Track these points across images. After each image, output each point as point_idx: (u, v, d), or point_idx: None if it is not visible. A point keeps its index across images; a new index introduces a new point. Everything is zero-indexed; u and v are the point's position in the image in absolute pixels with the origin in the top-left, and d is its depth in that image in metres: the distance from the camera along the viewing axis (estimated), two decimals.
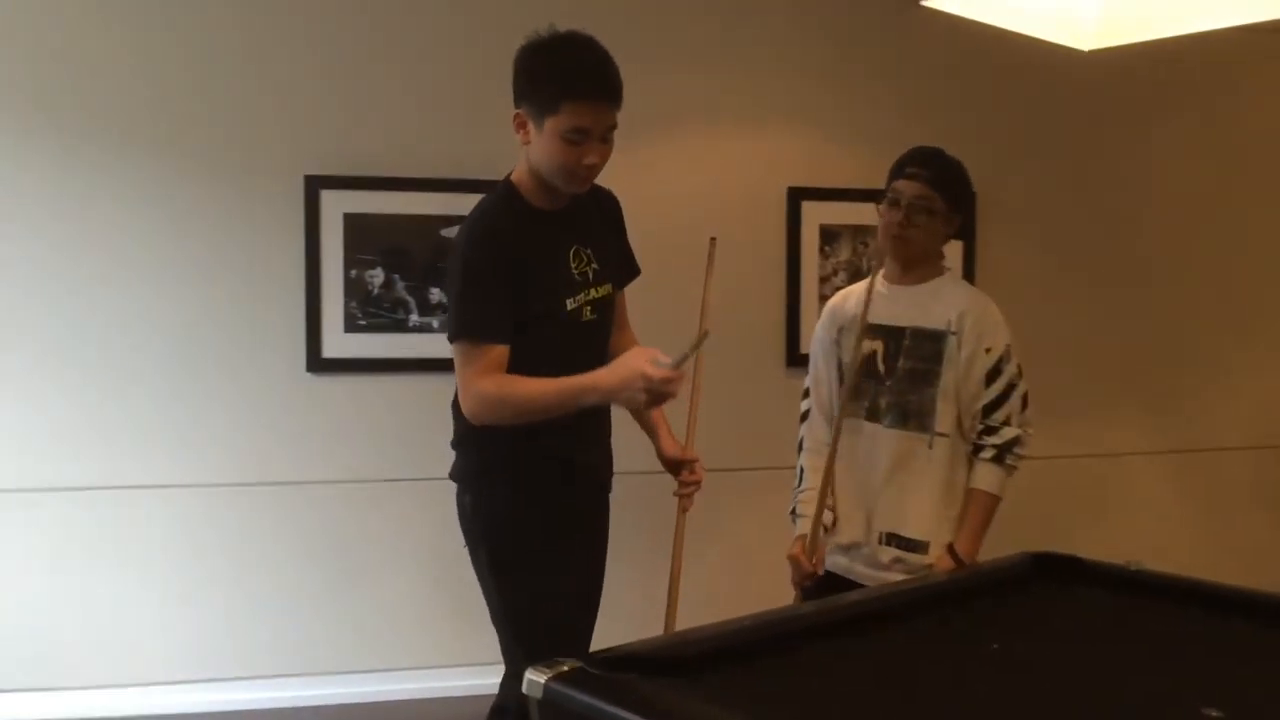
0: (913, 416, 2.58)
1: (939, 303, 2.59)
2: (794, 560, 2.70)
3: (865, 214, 4.01)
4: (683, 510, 2.56)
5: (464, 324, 2.28)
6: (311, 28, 3.68)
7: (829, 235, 4.05)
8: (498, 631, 2.43)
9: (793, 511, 2.79)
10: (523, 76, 2.27)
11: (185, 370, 3.64)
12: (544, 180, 2.32)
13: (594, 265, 2.40)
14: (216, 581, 3.68)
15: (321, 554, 3.75)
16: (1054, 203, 4.28)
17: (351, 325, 3.71)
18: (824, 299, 3.97)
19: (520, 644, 2.35)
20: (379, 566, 3.78)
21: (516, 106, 2.28)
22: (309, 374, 3.70)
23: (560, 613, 2.35)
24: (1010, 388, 2.55)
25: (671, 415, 2.67)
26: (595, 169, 2.31)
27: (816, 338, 2.81)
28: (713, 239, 2.60)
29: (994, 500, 2.56)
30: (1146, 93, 4.34)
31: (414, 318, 3.74)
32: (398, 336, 3.72)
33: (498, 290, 2.25)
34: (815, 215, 4.03)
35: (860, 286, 2.74)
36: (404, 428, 3.70)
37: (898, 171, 2.63)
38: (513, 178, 2.37)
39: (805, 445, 2.81)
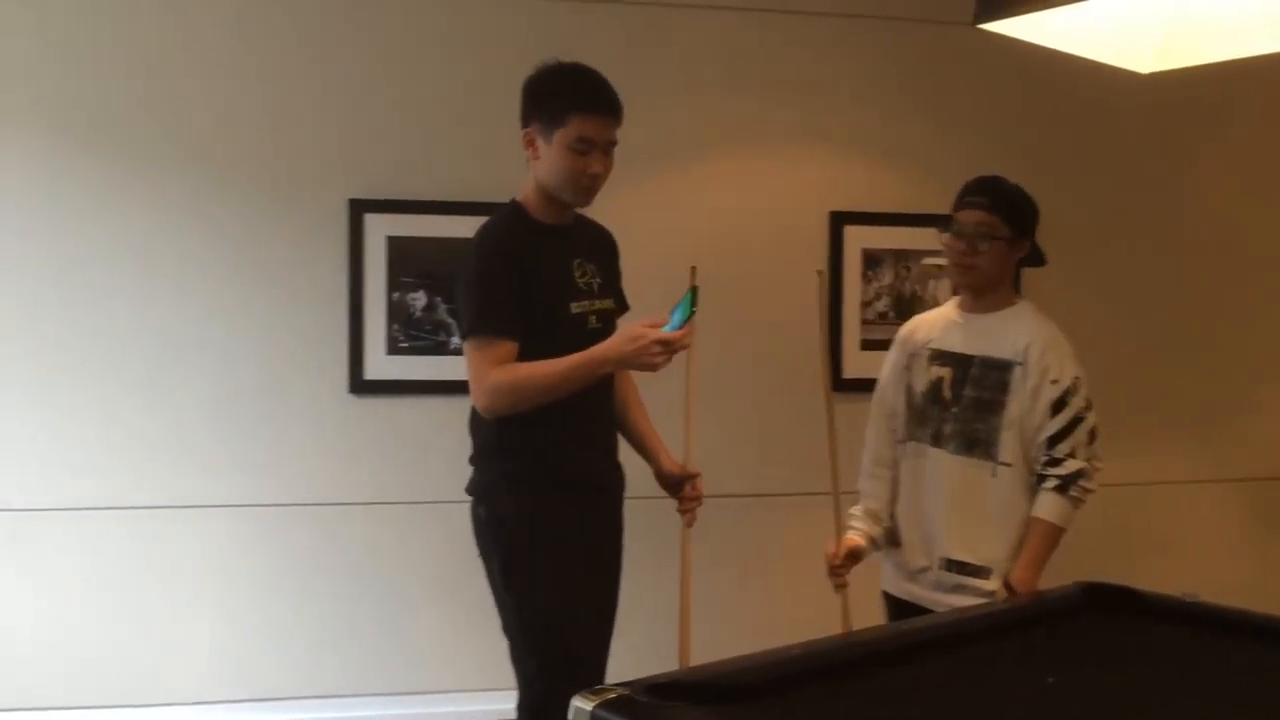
0: (977, 445, 2.58)
1: (1008, 332, 2.60)
2: (827, 558, 2.72)
3: (909, 238, 4.04)
4: (687, 525, 2.65)
5: (474, 321, 2.42)
6: (358, 56, 3.72)
7: (872, 259, 4.02)
8: (509, 641, 2.49)
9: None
10: (532, 96, 2.49)
11: (229, 390, 3.67)
12: (551, 196, 2.49)
13: (597, 280, 2.55)
14: (257, 601, 3.69)
15: (362, 575, 3.75)
16: (1102, 227, 4.23)
17: (393, 347, 3.73)
18: (866, 324, 3.98)
19: (532, 654, 2.44)
20: (420, 589, 3.77)
21: (525, 126, 2.48)
22: (351, 395, 3.72)
23: (572, 623, 2.42)
24: (1077, 420, 2.52)
25: (669, 431, 2.72)
26: (599, 179, 2.47)
27: (888, 361, 2.82)
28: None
29: (1055, 530, 2.52)
30: (1197, 118, 4.29)
31: (455, 340, 3.75)
32: (439, 359, 3.73)
33: (506, 289, 2.39)
34: (858, 239, 4.01)
35: (933, 314, 2.81)
36: (445, 450, 3.66)
37: (958, 202, 2.66)
38: (519, 198, 2.56)
39: (861, 468, 2.84)
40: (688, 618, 2.63)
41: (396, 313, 3.72)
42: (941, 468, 2.61)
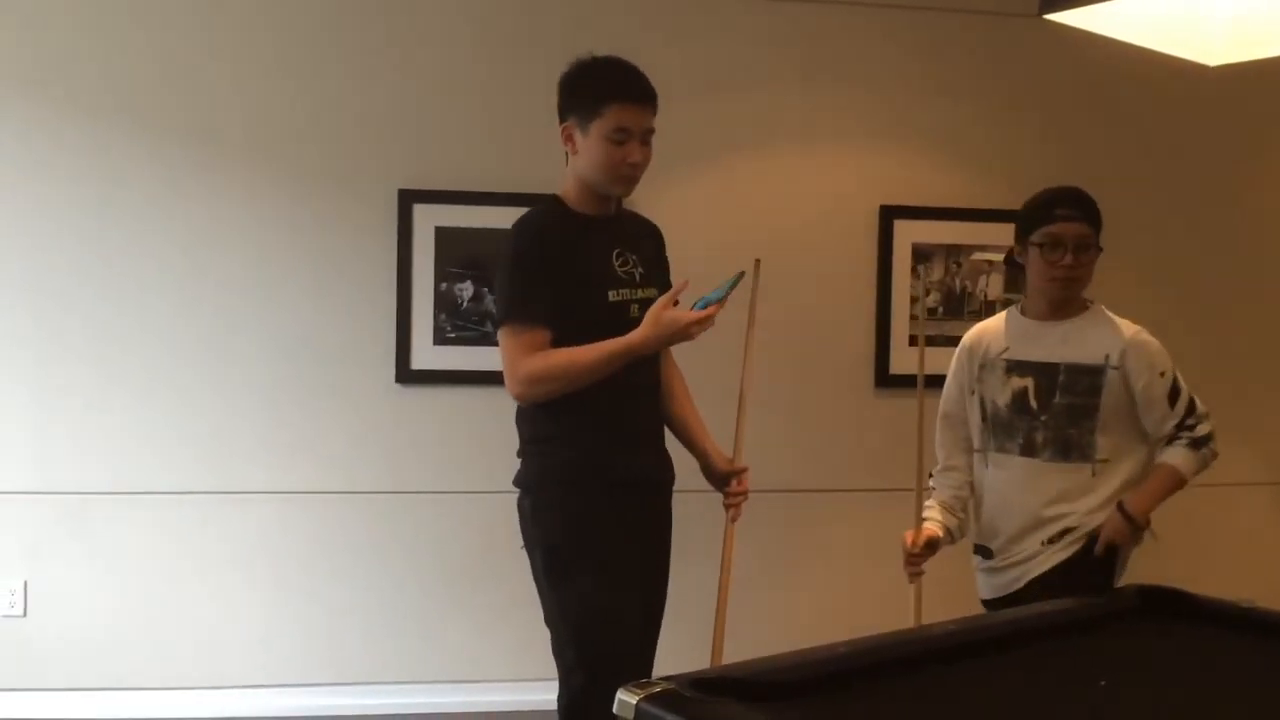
0: (1073, 449, 2.60)
1: (1092, 337, 2.63)
2: (902, 541, 2.69)
3: (958, 233, 3.99)
4: (732, 520, 2.65)
5: (508, 308, 2.43)
6: (406, 49, 3.74)
7: (921, 254, 3.98)
8: (551, 632, 2.50)
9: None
10: (567, 91, 2.50)
11: (279, 379, 3.71)
12: (590, 189, 2.49)
13: (639, 269, 2.53)
14: (304, 587, 3.73)
15: (408, 563, 3.78)
16: (1162, 226, 4.15)
17: (440, 338, 3.74)
18: (914, 319, 3.94)
19: (572, 646, 2.44)
20: (463, 578, 3.79)
21: (563, 121, 2.49)
22: (398, 385, 3.74)
23: (612, 617, 2.41)
24: (1192, 400, 2.62)
25: (719, 427, 2.71)
26: (638, 169, 2.47)
27: (953, 373, 2.82)
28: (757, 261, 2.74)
29: (1179, 477, 2.59)
30: (1263, 115, 4.19)
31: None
32: (485, 350, 3.73)
33: (541, 277, 2.40)
34: (908, 234, 3.97)
35: (994, 324, 2.78)
36: (490, 440, 3.67)
37: (1046, 215, 2.64)
38: (558, 192, 2.56)
39: (938, 477, 2.81)
40: (724, 614, 2.61)
41: (443, 303, 3.74)
42: (1041, 475, 2.62)
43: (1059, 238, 2.60)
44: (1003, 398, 2.67)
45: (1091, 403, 2.58)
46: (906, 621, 2.57)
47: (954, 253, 3.98)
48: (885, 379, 3.97)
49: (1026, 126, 4.04)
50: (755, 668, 1.68)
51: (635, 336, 2.36)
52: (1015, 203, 3.94)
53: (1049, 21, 1.82)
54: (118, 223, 3.63)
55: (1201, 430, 2.60)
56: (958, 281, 3.98)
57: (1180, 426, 2.60)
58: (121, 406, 3.64)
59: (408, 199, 3.71)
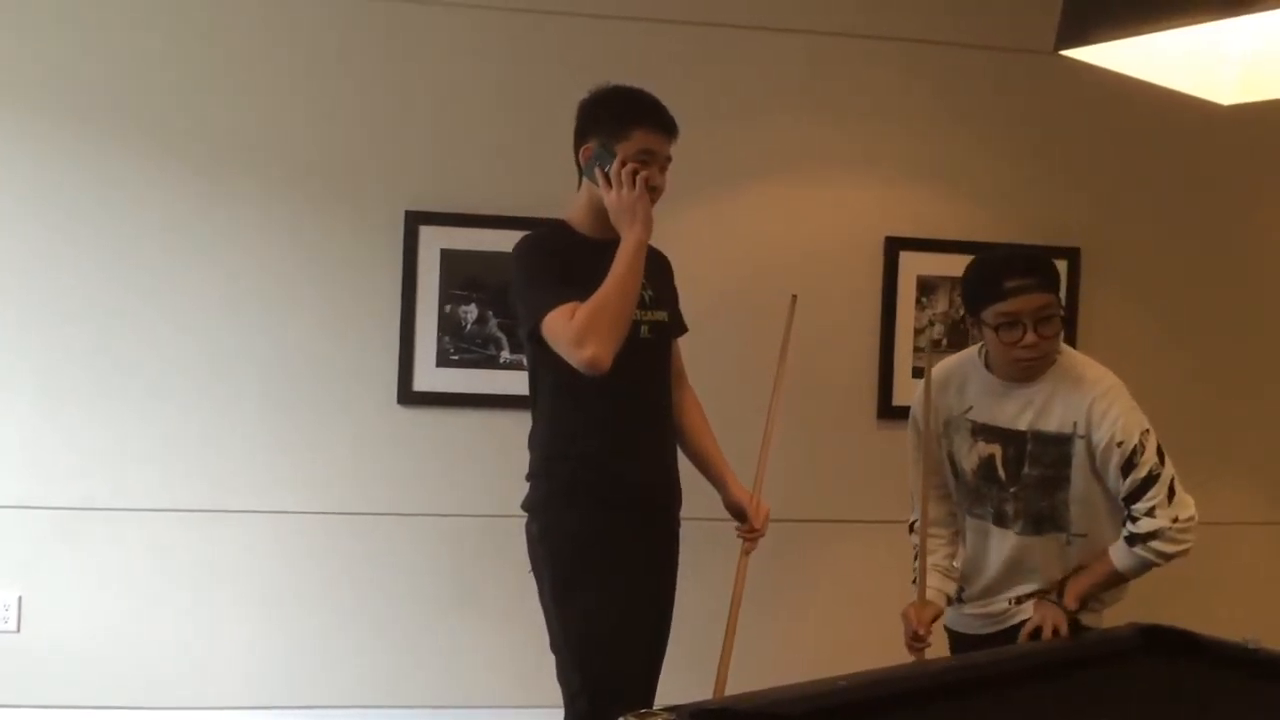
0: (1045, 522, 2.45)
1: (1058, 402, 2.40)
2: (905, 618, 2.55)
3: (964, 266, 3.97)
4: (745, 553, 2.64)
5: (536, 306, 2.38)
6: (417, 70, 3.75)
7: (926, 286, 3.98)
8: (556, 657, 2.48)
9: (914, 581, 2.62)
10: (592, 113, 2.50)
11: (280, 396, 3.69)
12: (601, 212, 2.46)
13: (648, 291, 2.50)
14: (299, 609, 3.71)
15: (406, 587, 3.75)
16: (1161, 261, 4.15)
17: (443, 360, 3.73)
18: (918, 350, 3.93)
19: (577, 671, 2.42)
20: (463, 602, 3.77)
21: (583, 142, 2.48)
22: (399, 406, 3.73)
23: (617, 643, 2.39)
24: (1151, 478, 2.34)
25: (741, 464, 2.70)
26: (657, 192, 2.46)
27: (913, 415, 2.64)
28: (794, 296, 2.76)
29: (1113, 572, 2.40)
30: (1269, 153, 4.20)
31: (505, 354, 3.75)
32: (488, 372, 3.74)
33: (557, 278, 2.39)
34: (913, 266, 3.97)
35: (960, 367, 2.58)
36: (490, 464, 3.70)
37: (995, 291, 2.35)
38: (564, 216, 2.57)
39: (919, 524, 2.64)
40: (730, 645, 2.59)
41: (447, 325, 3.73)
42: (1014, 545, 2.48)
43: (1015, 316, 2.32)
44: (969, 463, 2.50)
45: (1063, 474, 2.39)
46: (904, 655, 2.55)
47: (959, 285, 3.97)
48: (888, 410, 3.96)
49: (1033, 161, 4.05)
50: (757, 700, 1.67)
51: (630, 234, 2.36)
52: (1022, 237, 4.00)
53: (1056, 56, 1.83)
54: (119, 236, 3.63)
55: (1146, 526, 2.32)
56: (959, 312, 3.97)
57: (1130, 509, 2.35)
58: (120, 421, 3.62)
59: (414, 220, 3.72)
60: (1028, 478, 2.42)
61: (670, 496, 2.60)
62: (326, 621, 3.72)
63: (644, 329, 2.48)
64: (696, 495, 2.70)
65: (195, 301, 3.66)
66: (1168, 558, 2.36)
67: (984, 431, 2.47)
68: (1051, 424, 2.39)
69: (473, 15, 3.76)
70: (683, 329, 2.70)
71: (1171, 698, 1.96)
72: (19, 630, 3.59)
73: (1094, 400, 2.36)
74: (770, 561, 3.79)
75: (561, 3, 3.78)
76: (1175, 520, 2.33)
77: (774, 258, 3.84)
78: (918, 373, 3.92)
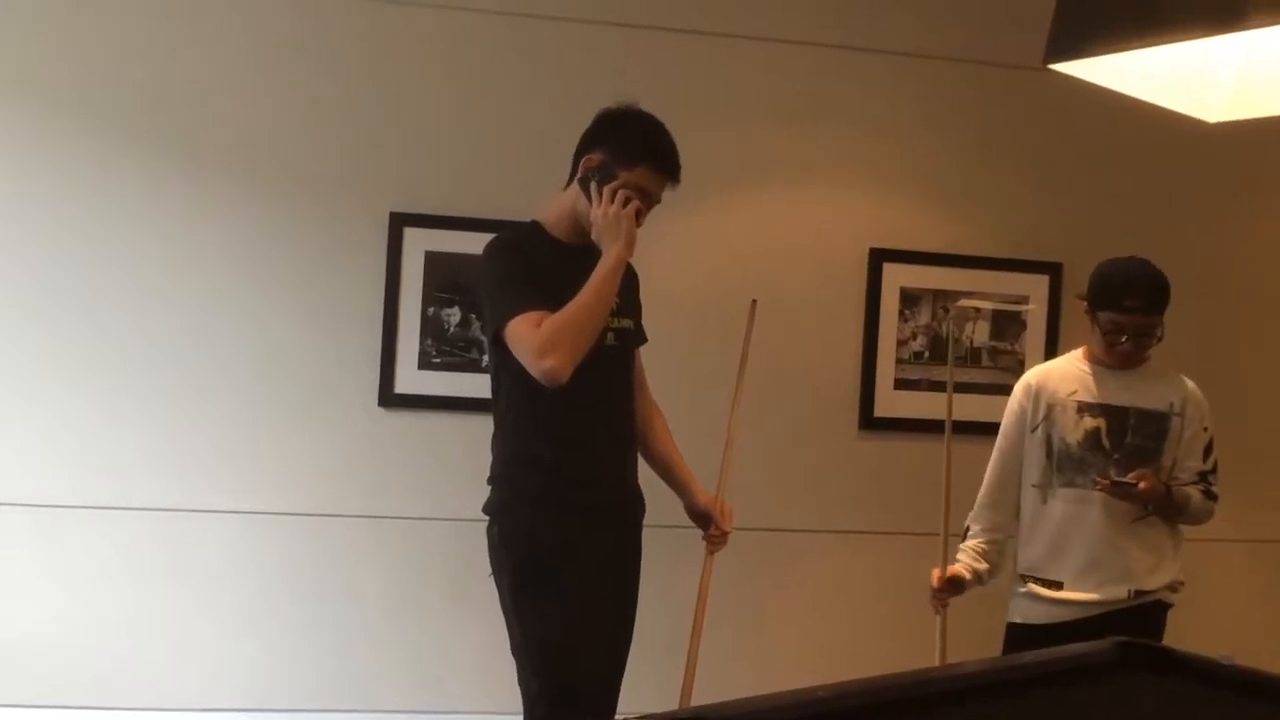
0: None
1: (1157, 387, 2.88)
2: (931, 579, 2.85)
3: (946, 278, 4.00)
4: (710, 553, 2.67)
5: (502, 309, 2.38)
6: (404, 73, 3.75)
7: (909, 298, 3.99)
8: (516, 662, 2.48)
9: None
10: (610, 129, 2.48)
11: (258, 396, 3.67)
12: (577, 222, 2.49)
13: (616, 298, 2.49)
14: (276, 611, 3.68)
15: (383, 589, 3.73)
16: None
17: (425, 362, 3.72)
18: (901, 363, 3.95)
19: (535, 676, 2.42)
20: (439, 606, 3.75)
21: (589, 150, 2.47)
22: (380, 408, 3.71)
23: (575, 648, 2.40)
24: (1216, 463, 2.95)
25: (699, 466, 2.72)
26: (638, 224, 2.48)
27: (1012, 411, 2.96)
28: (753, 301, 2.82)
29: (1189, 501, 2.85)
30: (1254, 169, 4.23)
31: (487, 358, 3.73)
32: (470, 376, 3.72)
33: (524, 278, 2.40)
34: (896, 278, 3.98)
35: (1059, 367, 2.96)
36: (471, 467, 3.64)
37: (1114, 303, 2.79)
38: (538, 218, 2.58)
39: (978, 512, 2.97)
40: (696, 653, 2.60)
41: (430, 327, 3.72)
42: (1117, 507, 2.81)
43: (1122, 326, 2.78)
44: (1074, 436, 2.85)
45: (1159, 446, 2.85)
46: (883, 665, 2.54)
47: (941, 298, 3.99)
48: (870, 422, 3.96)
49: (1019, 175, 4.07)
50: (730, 710, 1.66)
51: (611, 250, 2.37)
52: (1005, 250, 4.02)
53: (1043, 72, 1.84)
54: (95, 235, 3.60)
55: (1216, 488, 2.91)
56: (944, 327, 3.99)
57: (1203, 475, 2.90)
58: (91, 419, 3.59)
59: (399, 222, 3.71)
60: (1130, 446, 2.84)
61: (632, 502, 2.60)
62: (300, 623, 3.69)
63: (610, 336, 2.49)
64: (660, 502, 2.70)
65: (176, 301, 3.64)
66: (1203, 522, 2.95)
67: (1089, 408, 2.87)
68: (1150, 403, 2.86)
69: (459, 18, 3.76)
70: (643, 339, 2.71)
71: (1148, 714, 1.96)
72: None
73: (1190, 390, 2.91)
74: (752, 571, 3.80)
75: (547, 7, 3.79)
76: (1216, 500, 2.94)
77: (757, 267, 3.85)
78: (901, 384, 3.94)
